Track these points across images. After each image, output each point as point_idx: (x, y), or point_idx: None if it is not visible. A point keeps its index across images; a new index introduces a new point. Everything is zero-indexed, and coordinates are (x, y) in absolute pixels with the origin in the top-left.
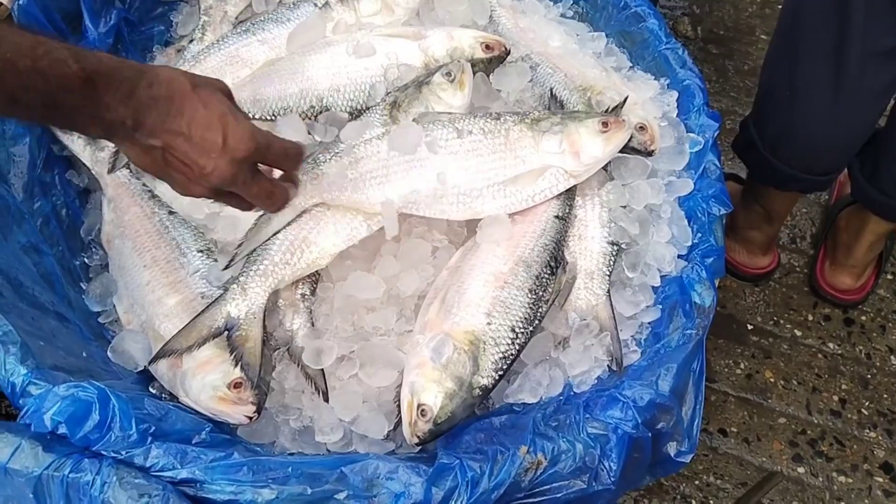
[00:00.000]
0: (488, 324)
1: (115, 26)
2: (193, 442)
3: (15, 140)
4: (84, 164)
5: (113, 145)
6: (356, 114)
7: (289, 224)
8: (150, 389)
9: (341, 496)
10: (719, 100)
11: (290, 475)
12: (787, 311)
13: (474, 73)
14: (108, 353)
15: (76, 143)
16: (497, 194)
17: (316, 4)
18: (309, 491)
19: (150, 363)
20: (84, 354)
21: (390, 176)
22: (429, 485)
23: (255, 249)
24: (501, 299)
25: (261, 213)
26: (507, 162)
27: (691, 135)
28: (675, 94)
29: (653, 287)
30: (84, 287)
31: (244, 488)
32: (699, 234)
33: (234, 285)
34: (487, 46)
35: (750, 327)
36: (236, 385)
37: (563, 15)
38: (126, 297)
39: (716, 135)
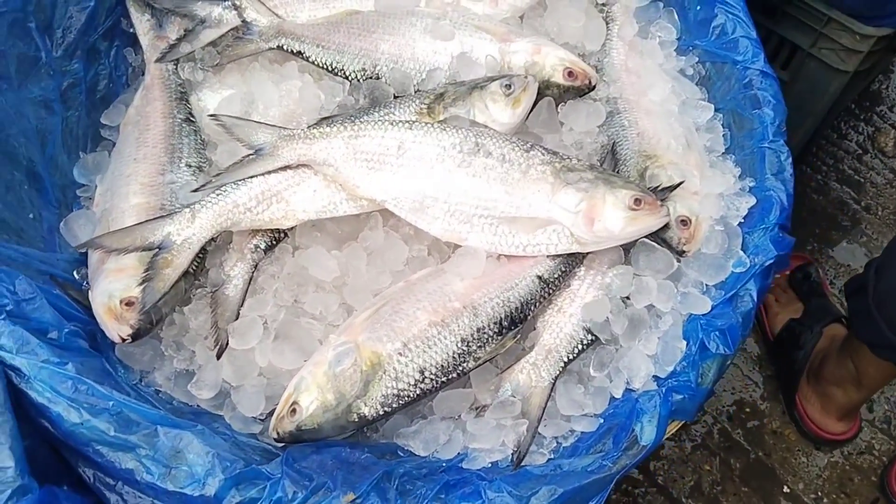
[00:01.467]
0: (399, 354)
1: None
2: (48, 335)
3: (78, 1)
4: (142, 46)
5: (174, 38)
6: (402, 94)
7: (270, 172)
8: (75, 274)
9: (142, 452)
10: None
11: (107, 410)
12: (839, 493)
13: (545, 96)
14: (61, 224)
15: (142, 23)
16: (487, 228)
17: None
18: (111, 432)
19: (76, 248)
20: (31, 216)
21: (384, 165)
22: (230, 484)
23: (227, 184)
24: (427, 336)
25: (249, 151)
26: (512, 199)
27: (741, 253)
28: (752, 202)
29: (610, 396)
30: (82, 156)
31: (59, 400)
32: (682, 364)
33: (187, 209)
34: (570, 73)
35: (786, 490)
36: (128, 303)
37: (681, 70)
38: (107, 181)
39: (769, 263)
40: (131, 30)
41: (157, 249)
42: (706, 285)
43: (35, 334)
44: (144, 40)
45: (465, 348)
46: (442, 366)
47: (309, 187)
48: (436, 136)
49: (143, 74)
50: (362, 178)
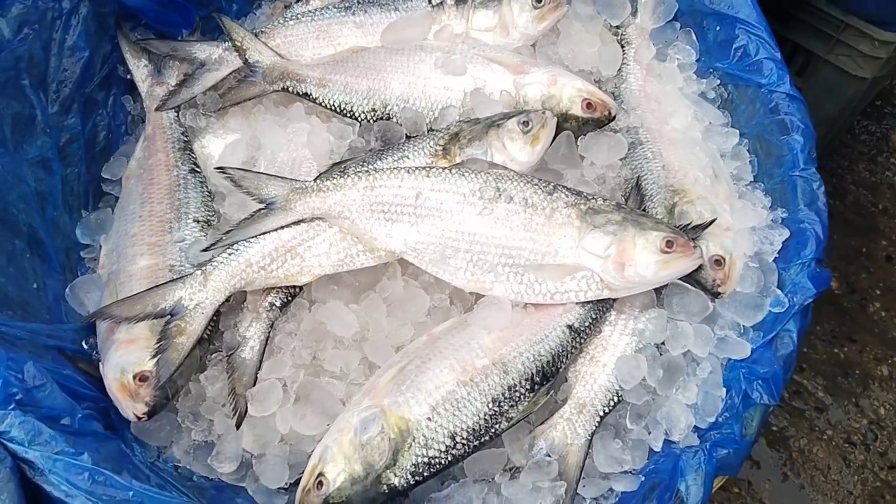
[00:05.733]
0: (428, 419)
1: None
2: (61, 422)
3: (72, 52)
4: (140, 94)
5: (174, 84)
6: (415, 133)
7: (283, 227)
8: (84, 344)
9: None
10: None
11: (126, 502)
12: None
13: (563, 130)
14: (66, 291)
15: (140, 70)
16: (512, 277)
17: (430, 1)
18: None
19: (84, 320)
20: (35, 286)
21: (403, 216)
22: None
23: (238, 242)
24: (456, 397)
25: (260, 206)
26: (538, 246)
27: (778, 291)
28: (786, 235)
29: (650, 449)
30: (84, 214)
31: (77, 493)
32: (725, 415)
33: (198, 272)
34: (589, 105)
35: None
36: (142, 378)
37: (703, 94)
38: (112, 240)
39: (808, 302)
40: (128, 76)
41: (168, 316)
42: (743, 326)
43: (47, 423)
44: (143, 87)
45: (496, 409)
46: (473, 429)
47: (324, 241)
48: (454, 182)
49: (142, 122)
50: (380, 230)
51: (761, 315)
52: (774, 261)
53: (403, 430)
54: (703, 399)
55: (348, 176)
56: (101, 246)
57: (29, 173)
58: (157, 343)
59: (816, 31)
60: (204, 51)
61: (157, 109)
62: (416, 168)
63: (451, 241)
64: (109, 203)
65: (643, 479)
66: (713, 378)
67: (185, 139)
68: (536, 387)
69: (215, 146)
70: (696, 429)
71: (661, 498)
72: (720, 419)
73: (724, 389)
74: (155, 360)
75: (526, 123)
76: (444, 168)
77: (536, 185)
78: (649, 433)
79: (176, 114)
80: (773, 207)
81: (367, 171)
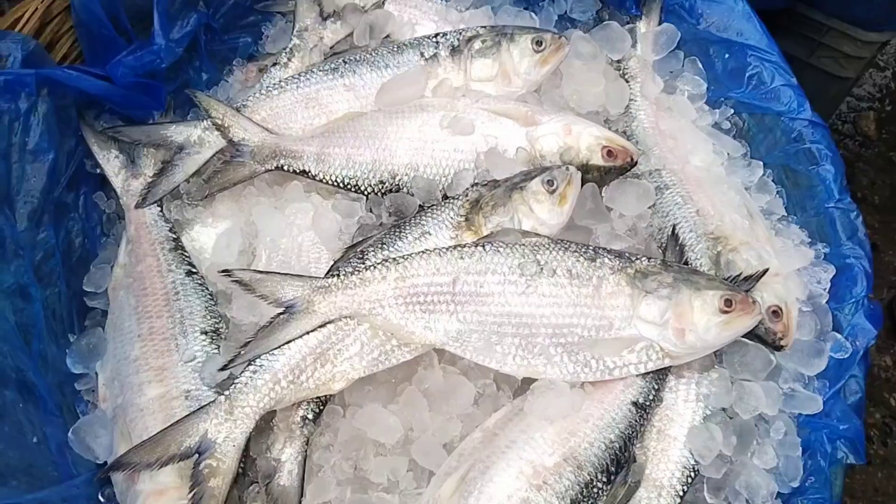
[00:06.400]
0: None
1: (191, 33)
2: None
3: (35, 155)
4: (115, 190)
5: (151, 174)
6: (429, 202)
7: (307, 333)
8: (100, 497)
9: None
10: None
11: None
12: None
13: (584, 182)
14: (70, 435)
15: (110, 163)
16: (566, 357)
17: (423, 54)
18: None
19: (101, 475)
20: (34, 440)
21: (440, 304)
22: None
23: (260, 355)
24: None
25: (280, 310)
26: (590, 321)
27: (836, 334)
28: (832, 271)
29: None
30: (72, 339)
31: None
32: (811, 479)
33: (222, 397)
34: (610, 153)
35: None
36: None
37: (717, 125)
38: (110, 366)
39: (870, 345)
40: (98, 171)
41: (196, 455)
42: (807, 377)
43: None
44: (116, 182)
45: None
46: None
47: (355, 342)
48: (492, 261)
49: (119, 220)
50: (417, 324)
51: (823, 362)
52: (826, 302)
53: None
54: (784, 463)
55: (375, 268)
56: (97, 374)
57: (7, 306)
58: (191, 492)
59: (798, 37)
60: (181, 133)
61: (137, 207)
62: (448, 250)
63: (496, 327)
64: (97, 319)
65: None
66: (789, 439)
67: (175, 237)
68: (612, 477)
69: (206, 238)
70: (779, 496)
71: None
72: (806, 483)
73: (801, 450)
74: None
75: (550, 183)
76: (477, 246)
77: (576, 251)
78: None
79: (159, 208)
80: (813, 243)
81: (395, 261)
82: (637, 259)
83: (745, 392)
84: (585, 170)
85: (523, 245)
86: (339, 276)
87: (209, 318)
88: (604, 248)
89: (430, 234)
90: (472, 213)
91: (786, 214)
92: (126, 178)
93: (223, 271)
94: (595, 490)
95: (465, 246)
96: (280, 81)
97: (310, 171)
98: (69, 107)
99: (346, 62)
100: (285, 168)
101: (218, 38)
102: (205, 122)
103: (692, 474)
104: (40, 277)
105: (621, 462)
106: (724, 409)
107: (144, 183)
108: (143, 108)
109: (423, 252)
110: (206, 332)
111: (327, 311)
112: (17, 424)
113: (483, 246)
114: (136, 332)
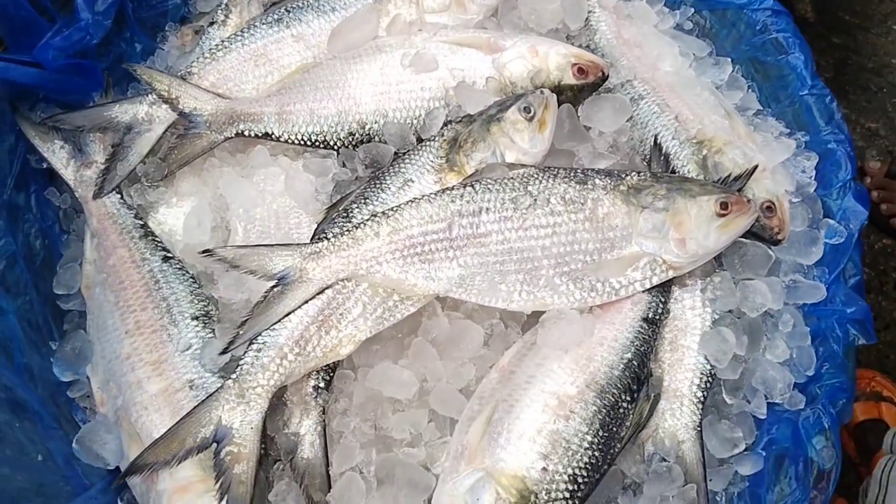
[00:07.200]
0: (543, 469)
1: (116, 2)
2: None
3: None
4: (67, 183)
5: (103, 161)
6: (404, 147)
7: (305, 303)
8: (119, 502)
9: None
10: None
11: None
12: None
13: (560, 104)
14: (74, 446)
15: (57, 154)
16: (572, 285)
17: None
18: None
19: (117, 481)
20: (39, 457)
21: (438, 252)
22: None
23: (261, 332)
24: (564, 437)
25: (272, 284)
26: (591, 245)
27: (829, 221)
28: (815, 159)
29: (755, 418)
30: (54, 347)
31: None
32: (825, 366)
33: (230, 381)
34: (581, 70)
35: None
36: None
37: (679, 26)
38: (102, 369)
39: (863, 227)
40: (44, 165)
41: (214, 444)
42: (806, 267)
43: None
44: (67, 174)
45: (607, 434)
46: (592, 464)
47: (357, 303)
48: (483, 200)
49: (77, 214)
50: (417, 275)
51: (820, 250)
52: (814, 191)
53: (521, 490)
54: (798, 354)
55: (365, 225)
56: (88, 378)
57: None
58: (218, 482)
59: None
60: (126, 112)
61: (95, 197)
62: (438, 195)
63: (498, 266)
64: (75, 322)
65: (763, 454)
66: (798, 330)
67: (142, 223)
68: (635, 395)
69: (174, 219)
70: (796, 386)
71: (796, 471)
72: (822, 370)
73: (810, 338)
74: (224, 501)
75: (527, 110)
76: (465, 187)
77: (566, 177)
78: (749, 402)
79: (119, 195)
80: (792, 133)
81: (385, 215)
82: (627, 175)
83: (750, 291)
84: (558, 91)
85: (512, 178)
86: (328, 238)
87: (196, 302)
88: (592, 170)
89: (412, 182)
90: (451, 152)
91: (761, 108)
92: (76, 168)
93: (204, 252)
94: (621, 411)
95: (453, 188)
96: (222, 41)
97: (272, 133)
98: (0, 101)
99: (289, 11)
100: (246, 133)
101: (146, 4)
102: (150, 96)
103: (710, 379)
104: (7, 288)
105: (641, 379)
106: (730, 311)
107: (97, 171)
108: (80, 91)
109: (412, 201)
110: (196, 318)
111: (323, 276)
112: (18, 445)
113: (472, 186)
114: (123, 329)
